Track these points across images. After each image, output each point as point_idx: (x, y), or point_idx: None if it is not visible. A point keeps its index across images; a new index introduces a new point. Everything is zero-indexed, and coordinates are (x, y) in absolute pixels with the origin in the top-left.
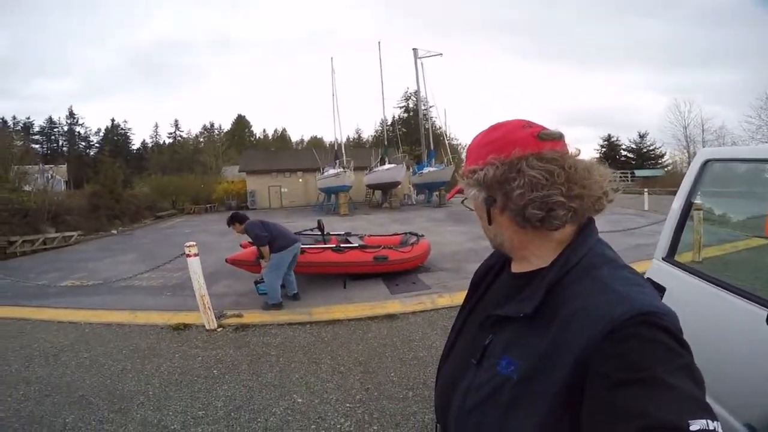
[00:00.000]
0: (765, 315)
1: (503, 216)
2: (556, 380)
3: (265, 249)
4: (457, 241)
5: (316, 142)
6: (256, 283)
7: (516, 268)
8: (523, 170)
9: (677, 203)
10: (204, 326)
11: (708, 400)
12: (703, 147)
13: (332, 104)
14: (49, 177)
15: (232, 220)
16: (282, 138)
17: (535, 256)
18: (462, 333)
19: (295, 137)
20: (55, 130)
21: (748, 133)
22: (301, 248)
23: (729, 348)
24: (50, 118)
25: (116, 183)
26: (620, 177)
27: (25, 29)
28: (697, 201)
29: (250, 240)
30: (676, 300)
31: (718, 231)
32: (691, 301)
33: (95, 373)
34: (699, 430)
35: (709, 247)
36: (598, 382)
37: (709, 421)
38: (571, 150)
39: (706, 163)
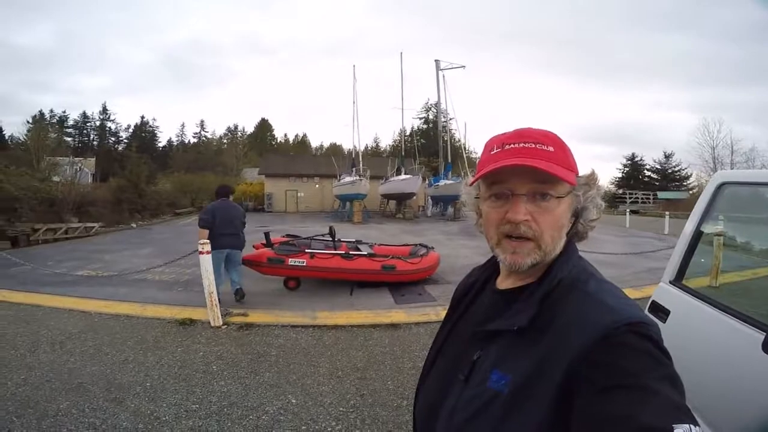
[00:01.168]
0: (761, 339)
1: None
2: (549, 390)
3: (201, 232)
4: (467, 255)
5: (334, 149)
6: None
7: (505, 284)
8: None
9: (689, 226)
10: (209, 323)
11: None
12: (732, 169)
13: (352, 112)
14: (78, 169)
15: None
16: (302, 143)
17: (540, 269)
18: (443, 350)
19: (314, 143)
20: (87, 124)
21: None
22: (312, 253)
23: (727, 370)
24: (84, 112)
25: (141, 178)
26: (642, 198)
27: (68, 24)
28: (719, 227)
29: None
30: (680, 323)
31: (738, 257)
32: (696, 325)
33: (97, 362)
34: None
35: (728, 273)
36: (588, 389)
37: (692, 426)
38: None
39: (721, 186)
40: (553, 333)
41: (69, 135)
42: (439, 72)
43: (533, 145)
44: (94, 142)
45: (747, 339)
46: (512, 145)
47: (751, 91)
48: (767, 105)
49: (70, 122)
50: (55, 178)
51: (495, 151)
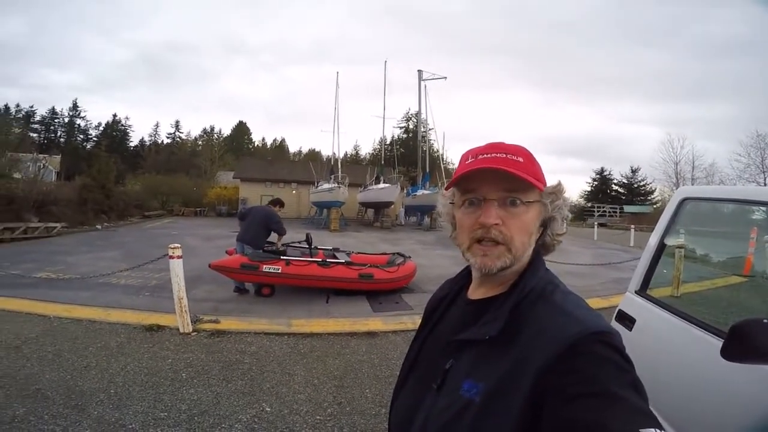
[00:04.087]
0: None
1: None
2: (519, 398)
3: None
4: (443, 264)
5: (313, 155)
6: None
7: (476, 295)
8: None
9: (654, 239)
10: (178, 329)
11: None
12: (693, 184)
13: (333, 118)
14: (42, 166)
15: (275, 202)
16: (280, 148)
17: (510, 280)
18: (417, 362)
19: (293, 148)
20: (55, 120)
21: (736, 171)
22: (288, 260)
23: (689, 374)
24: (53, 108)
25: (109, 178)
26: (609, 212)
27: (40, 17)
28: (680, 240)
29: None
30: (645, 331)
31: (698, 267)
32: (659, 332)
33: (57, 367)
34: None
35: (689, 283)
36: (556, 396)
37: (657, 430)
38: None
39: (683, 201)
40: (523, 342)
41: (35, 131)
42: (421, 82)
43: (504, 155)
44: (61, 140)
45: (706, 345)
46: (485, 155)
47: (713, 107)
48: (728, 121)
49: (37, 118)
50: (16, 175)
51: (469, 160)
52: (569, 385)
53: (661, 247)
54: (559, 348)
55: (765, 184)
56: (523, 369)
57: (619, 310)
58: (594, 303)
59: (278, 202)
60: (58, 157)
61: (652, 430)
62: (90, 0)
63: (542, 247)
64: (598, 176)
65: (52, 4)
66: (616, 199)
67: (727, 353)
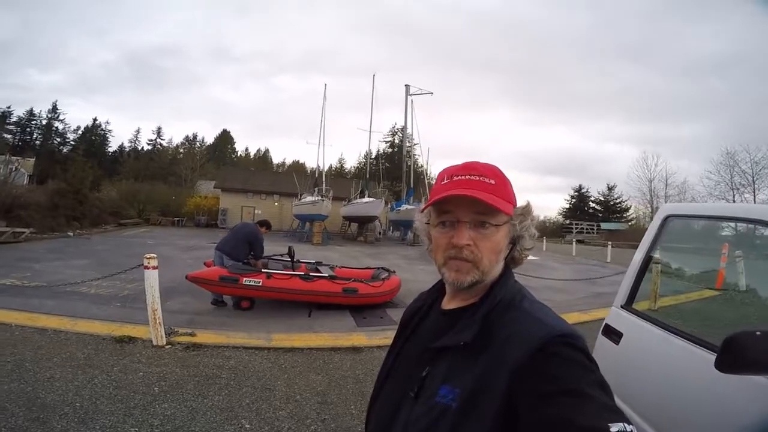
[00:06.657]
0: (713, 359)
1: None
2: (494, 399)
3: None
4: (427, 280)
5: (297, 167)
6: None
7: (450, 305)
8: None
9: (639, 255)
10: (151, 341)
11: None
12: (666, 202)
13: (319, 130)
14: (13, 169)
15: (263, 224)
16: (264, 158)
17: (481, 291)
18: (393, 371)
19: (277, 159)
20: (33, 122)
21: (707, 189)
22: (269, 273)
23: (678, 389)
24: (31, 110)
25: (84, 183)
26: (587, 228)
27: (27, 15)
28: (656, 255)
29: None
30: (632, 344)
31: (673, 282)
32: (646, 346)
33: (16, 378)
34: (618, 431)
35: (665, 297)
36: (529, 396)
37: (626, 424)
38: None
39: (667, 218)
40: (495, 347)
41: (10, 132)
42: (408, 97)
43: (478, 178)
44: (37, 142)
45: (693, 356)
46: (460, 177)
47: (690, 126)
48: (703, 140)
49: (14, 119)
50: None
51: (445, 181)
52: (540, 384)
53: (647, 263)
54: (529, 350)
55: (734, 201)
56: (497, 372)
57: (606, 324)
58: (575, 317)
59: (266, 224)
60: (32, 160)
61: (621, 424)
62: (80, 0)
63: (512, 261)
64: (576, 193)
65: (41, 3)
66: (593, 216)
67: (722, 365)
